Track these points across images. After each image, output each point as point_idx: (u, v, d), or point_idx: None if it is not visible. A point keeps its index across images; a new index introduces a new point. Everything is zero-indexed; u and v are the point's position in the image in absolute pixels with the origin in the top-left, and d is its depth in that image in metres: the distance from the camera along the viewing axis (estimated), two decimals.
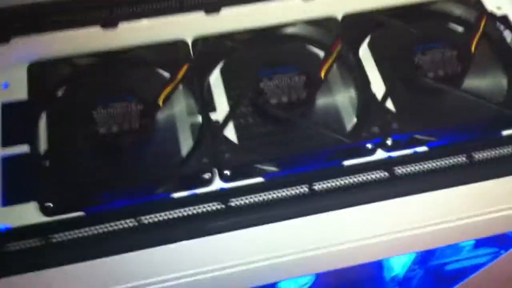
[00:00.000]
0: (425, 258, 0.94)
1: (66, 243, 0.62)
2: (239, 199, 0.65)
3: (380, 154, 0.72)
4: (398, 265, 1.00)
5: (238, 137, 0.74)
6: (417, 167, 0.68)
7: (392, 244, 0.67)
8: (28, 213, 0.66)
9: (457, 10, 0.85)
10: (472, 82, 0.78)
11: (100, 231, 0.63)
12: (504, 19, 0.85)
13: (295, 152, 0.72)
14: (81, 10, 0.81)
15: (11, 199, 0.68)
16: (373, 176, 0.67)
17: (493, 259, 0.97)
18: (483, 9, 0.84)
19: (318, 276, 0.89)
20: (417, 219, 0.66)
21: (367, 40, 0.83)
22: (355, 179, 0.67)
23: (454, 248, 0.92)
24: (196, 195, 0.68)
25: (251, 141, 0.74)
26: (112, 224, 0.63)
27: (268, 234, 0.65)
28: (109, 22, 0.81)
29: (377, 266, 1.02)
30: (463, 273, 1.03)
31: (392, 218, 0.67)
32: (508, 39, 0.83)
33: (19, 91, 0.76)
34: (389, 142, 0.72)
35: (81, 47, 0.79)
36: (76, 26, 0.80)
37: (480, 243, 0.90)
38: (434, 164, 0.69)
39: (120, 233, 0.63)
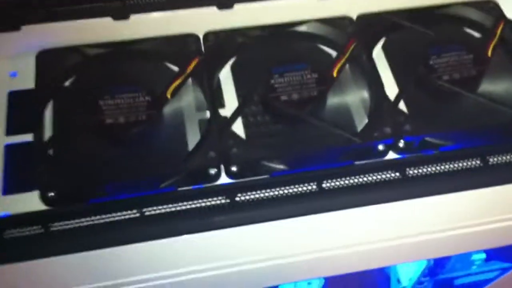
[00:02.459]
0: (434, 271, 0.92)
1: (66, 232, 0.60)
2: (245, 194, 0.63)
3: (391, 156, 0.70)
4: (406, 278, 0.98)
5: (247, 134, 0.72)
6: (429, 169, 0.66)
7: (402, 249, 0.65)
8: (29, 202, 0.65)
9: (474, 15, 0.84)
10: (488, 87, 0.76)
11: (102, 221, 0.61)
12: None
13: (304, 150, 0.71)
14: (93, 0, 0.80)
15: (13, 188, 0.66)
16: (384, 176, 0.65)
17: (504, 273, 0.95)
18: (501, 15, 0.83)
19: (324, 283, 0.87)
20: (428, 223, 0.65)
21: (381, 41, 0.81)
22: (365, 179, 0.65)
23: (465, 262, 0.90)
24: (201, 188, 0.66)
25: (259, 138, 0.72)
26: (114, 214, 0.61)
27: (273, 231, 0.63)
28: (121, 14, 0.80)
29: (385, 279, 1.00)
30: None
31: (402, 220, 0.65)
32: None
33: (28, 80, 0.75)
34: (401, 144, 0.70)
35: (92, 38, 0.78)
36: (88, 16, 0.79)
37: (491, 256, 0.88)
38: (447, 167, 0.66)
39: (122, 224, 0.61)
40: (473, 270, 0.95)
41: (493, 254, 0.89)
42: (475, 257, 0.90)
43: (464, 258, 0.90)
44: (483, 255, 0.90)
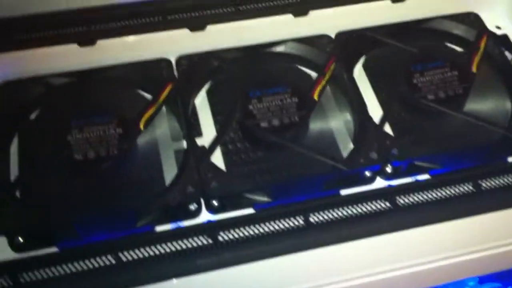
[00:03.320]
0: None
1: (37, 283, 0.56)
2: (228, 232, 0.59)
3: (379, 183, 0.66)
4: None
5: (226, 164, 0.68)
6: (420, 197, 0.63)
7: (394, 282, 0.62)
8: None
9: (456, 29, 0.81)
10: (475, 105, 0.73)
11: (75, 269, 0.57)
12: (504, 38, 0.81)
13: (288, 180, 0.67)
14: (56, 27, 0.75)
15: None
16: (373, 207, 0.62)
17: None
18: (483, 27, 0.80)
19: None
20: (420, 254, 0.61)
21: (362, 59, 0.78)
22: (354, 210, 0.62)
23: (458, 285, 0.87)
24: (181, 228, 0.62)
25: (240, 168, 0.68)
26: (88, 261, 0.57)
27: (260, 271, 0.59)
28: (87, 40, 0.75)
29: None
30: None
31: (393, 253, 0.61)
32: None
33: None
34: (389, 169, 0.67)
35: (57, 66, 0.74)
36: (52, 44, 0.75)
37: (485, 279, 0.85)
38: (438, 194, 0.63)
39: (97, 272, 0.57)
40: None
41: (486, 277, 0.87)
42: (469, 279, 0.87)
43: (457, 282, 0.88)
44: (476, 279, 0.87)
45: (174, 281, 0.57)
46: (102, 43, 0.75)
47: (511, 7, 0.84)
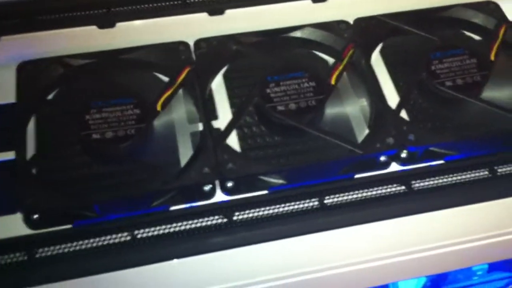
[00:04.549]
0: (436, 283, 0.89)
1: (52, 258, 0.56)
2: (244, 212, 0.60)
3: (394, 167, 0.66)
4: None
5: (242, 146, 0.69)
6: (435, 181, 0.63)
7: (407, 266, 0.62)
8: (12, 225, 0.60)
9: (475, 17, 0.81)
10: (492, 92, 0.73)
11: (90, 245, 0.58)
12: None
13: (303, 163, 0.67)
14: (76, 8, 0.76)
15: None
16: (389, 190, 0.62)
17: (508, 285, 0.91)
18: (502, 16, 0.80)
19: None
20: (431, 239, 0.61)
21: (380, 46, 0.78)
22: (369, 193, 0.62)
23: (467, 273, 0.86)
24: (196, 207, 0.62)
25: (255, 151, 0.68)
26: (104, 238, 0.57)
27: (274, 251, 0.59)
28: (106, 22, 0.76)
29: None
30: None
31: (407, 236, 0.62)
32: None
33: (7, 94, 0.71)
34: (404, 154, 0.67)
35: (76, 47, 0.74)
36: (71, 25, 0.75)
37: (494, 267, 0.85)
38: (453, 179, 0.63)
39: (113, 248, 0.57)
40: (476, 281, 0.92)
41: (495, 265, 0.86)
42: (477, 268, 0.87)
43: (466, 269, 0.87)
44: (485, 266, 0.87)
45: (189, 259, 0.57)
46: (121, 25, 0.76)
47: None
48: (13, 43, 0.74)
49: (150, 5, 0.77)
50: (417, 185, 0.62)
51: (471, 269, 0.86)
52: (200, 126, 0.69)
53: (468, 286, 0.91)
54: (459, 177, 0.64)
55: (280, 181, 0.65)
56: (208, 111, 0.70)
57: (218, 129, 0.69)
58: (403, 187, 0.62)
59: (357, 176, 0.66)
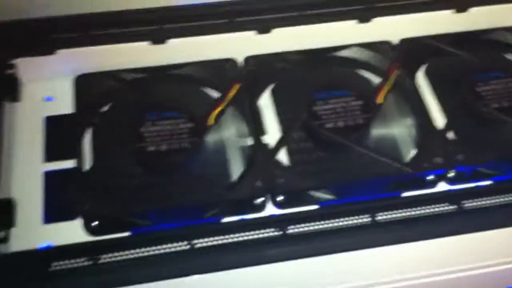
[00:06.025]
0: None
1: (113, 264, 0.58)
2: (297, 226, 0.61)
3: (441, 187, 0.68)
4: None
5: (291, 161, 0.70)
6: (484, 202, 0.64)
7: (457, 284, 0.63)
8: (72, 232, 0.63)
9: None
10: None
11: (148, 253, 0.59)
12: None
13: (352, 179, 0.69)
14: (130, 25, 0.78)
15: (55, 217, 0.64)
16: (440, 209, 0.63)
17: None
18: None
19: None
20: (485, 257, 0.62)
21: (424, 66, 0.80)
22: (417, 212, 0.64)
23: None
24: (251, 220, 0.64)
25: (304, 166, 0.70)
26: (164, 246, 0.59)
27: (326, 265, 0.61)
28: (158, 38, 0.78)
29: None
30: None
31: (456, 255, 0.63)
32: None
33: (64, 105, 0.73)
34: (452, 174, 0.68)
35: (129, 62, 0.77)
36: (125, 41, 0.78)
37: None
38: (502, 199, 0.65)
39: (171, 257, 0.59)
40: None
41: None
42: None
43: None
44: None
45: (245, 269, 0.59)
46: (173, 42, 0.78)
47: None
48: (69, 56, 0.76)
49: (201, 23, 0.80)
50: (467, 204, 0.64)
51: None
52: (250, 141, 0.71)
53: None
54: (507, 199, 0.65)
55: (329, 196, 0.67)
56: (257, 126, 0.72)
57: (267, 144, 0.71)
58: (454, 206, 0.63)
59: (404, 194, 0.68)
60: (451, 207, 0.63)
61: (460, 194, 0.65)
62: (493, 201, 0.64)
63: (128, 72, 0.76)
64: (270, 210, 0.66)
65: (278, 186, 0.67)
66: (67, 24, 0.77)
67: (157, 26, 0.79)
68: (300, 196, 0.67)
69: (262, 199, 0.66)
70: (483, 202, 0.64)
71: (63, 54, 0.76)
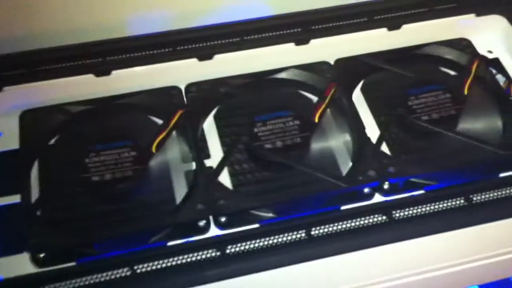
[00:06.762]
0: None
1: None
2: (236, 246, 0.64)
3: (377, 198, 0.71)
4: None
5: (233, 183, 0.73)
6: (415, 211, 0.67)
7: None
8: (20, 264, 0.64)
9: (449, 54, 0.86)
10: (467, 125, 0.77)
11: (93, 281, 0.61)
12: (495, 62, 0.86)
13: (291, 197, 0.71)
14: (73, 58, 0.81)
15: (3, 251, 0.66)
16: (371, 220, 0.66)
17: None
18: (475, 53, 0.85)
19: None
20: (416, 264, 0.65)
21: (360, 84, 0.83)
22: (353, 224, 0.66)
23: None
24: (191, 242, 0.66)
25: (246, 187, 0.73)
26: (106, 273, 0.61)
27: (264, 282, 0.63)
28: (102, 70, 0.80)
29: None
30: None
31: (391, 263, 0.65)
32: (501, 83, 0.84)
33: (11, 140, 0.75)
34: (386, 186, 0.71)
35: (74, 95, 0.79)
36: (69, 75, 0.80)
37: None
38: (432, 207, 0.68)
39: (114, 283, 0.61)
40: None
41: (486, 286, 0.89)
42: None
43: None
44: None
45: None
46: (116, 73, 0.81)
47: (500, 33, 0.89)
48: (15, 93, 0.78)
49: (143, 53, 0.82)
50: (397, 215, 0.67)
51: None
52: (194, 165, 0.73)
53: None
54: (437, 206, 0.68)
55: (270, 215, 0.70)
56: (200, 150, 0.75)
57: (210, 167, 0.73)
58: (384, 217, 0.66)
59: (343, 207, 0.70)
60: (383, 217, 0.66)
61: (391, 205, 0.68)
62: (423, 209, 0.67)
63: (74, 105, 0.78)
64: (214, 231, 0.68)
65: (220, 207, 0.69)
66: (11, 62, 0.79)
67: (100, 59, 0.81)
68: (242, 216, 0.69)
69: (204, 221, 0.68)
70: (413, 212, 0.67)
71: (9, 91, 0.78)
